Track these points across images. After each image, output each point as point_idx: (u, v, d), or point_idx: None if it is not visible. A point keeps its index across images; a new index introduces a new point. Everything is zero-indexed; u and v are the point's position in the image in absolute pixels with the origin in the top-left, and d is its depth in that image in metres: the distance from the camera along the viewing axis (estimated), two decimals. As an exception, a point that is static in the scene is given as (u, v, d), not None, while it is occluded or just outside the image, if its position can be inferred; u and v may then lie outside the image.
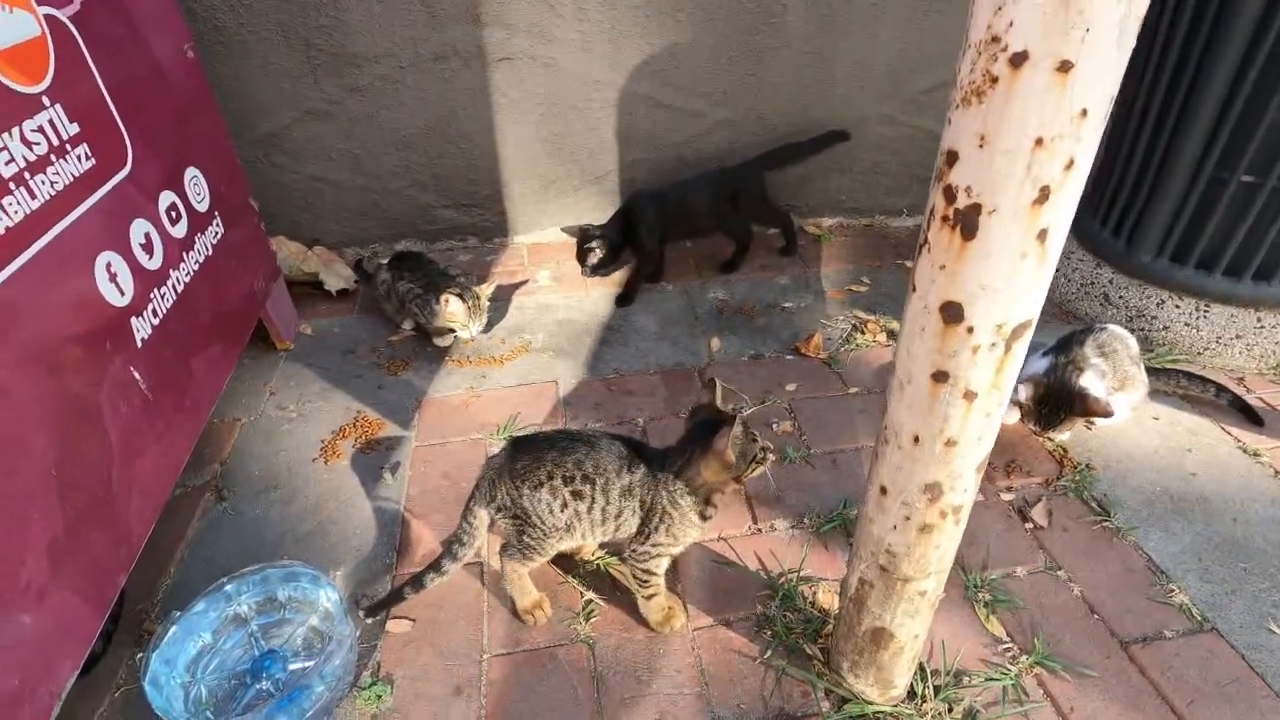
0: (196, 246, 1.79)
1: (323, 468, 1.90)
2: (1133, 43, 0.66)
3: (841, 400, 2.09)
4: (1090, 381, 1.76)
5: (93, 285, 1.37)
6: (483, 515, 1.42)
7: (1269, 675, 1.36)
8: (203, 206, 1.85)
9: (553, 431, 1.46)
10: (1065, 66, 0.66)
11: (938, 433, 0.93)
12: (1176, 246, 2.13)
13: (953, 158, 0.77)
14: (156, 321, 1.56)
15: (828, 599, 1.51)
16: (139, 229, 1.55)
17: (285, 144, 2.61)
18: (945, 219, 0.80)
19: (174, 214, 1.70)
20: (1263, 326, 2.08)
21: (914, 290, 0.89)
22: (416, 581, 1.43)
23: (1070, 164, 0.72)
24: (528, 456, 1.38)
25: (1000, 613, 1.49)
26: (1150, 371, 1.96)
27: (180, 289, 1.68)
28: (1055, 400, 1.74)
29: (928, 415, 0.93)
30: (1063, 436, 1.86)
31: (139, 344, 1.48)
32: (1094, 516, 1.69)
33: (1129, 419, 1.93)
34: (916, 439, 0.96)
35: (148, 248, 1.57)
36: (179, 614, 1.35)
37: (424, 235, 2.93)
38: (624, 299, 2.57)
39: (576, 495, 1.35)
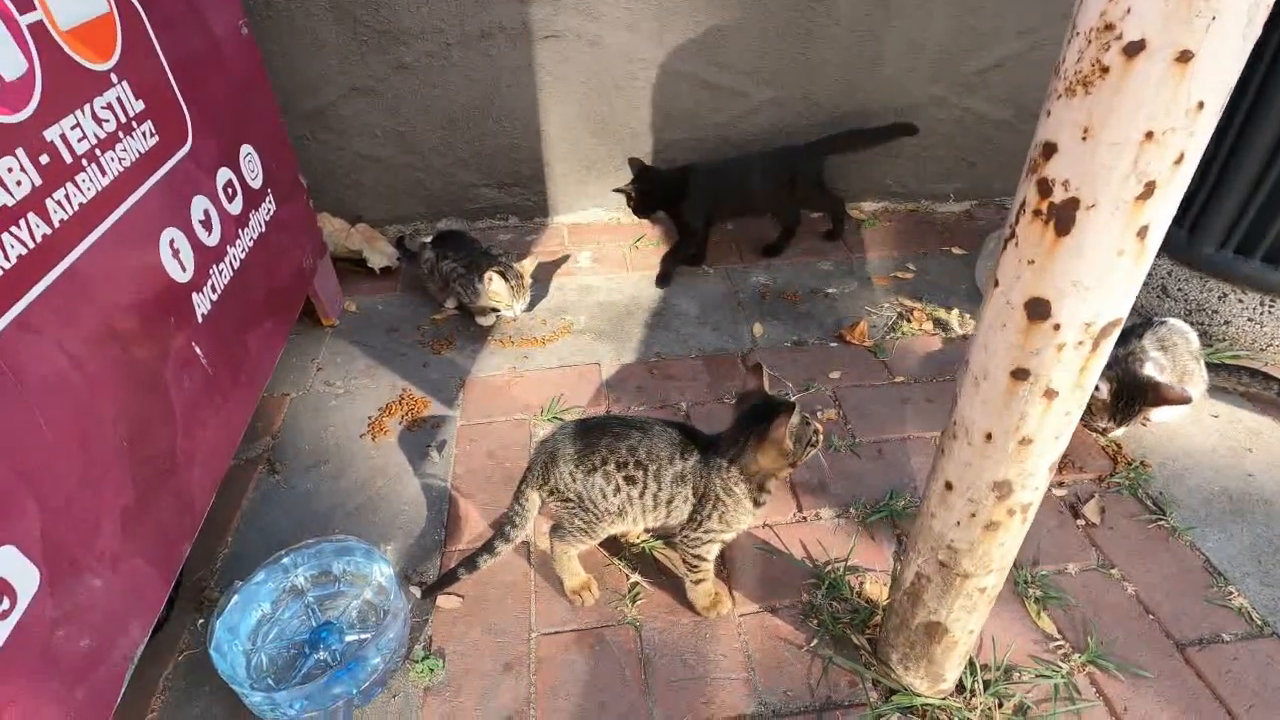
0: (251, 223, 1.81)
1: (370, 444, 1.93)
2: (1258, 33, 0.63)
3: (887, 389, 2.06)
4: (1152, 374, 1.71)
5: (157, 261, 1.40)
6: (534, 498, 1.43)
7: (1332, 683, 1.33)
8: (257, 184, 1.87)
9: (605, 416, 1.47)
10: (1185, 57, 0.63)
11: (1012, 430, 0.91)
12: (1243, 238, 2.05)
13: (1050, 150, 0.74)
14: (215, 297, 1.59)
15: (875, 590, 1.51)
16: (199, 206, 1.57)
17: (331, 121, 2.62)
18: (1038, 213, 0.77)
19: (230, 191, 1.72)
20: (1332, 324, 2.01)
21: (995, 285, 0.87)
22: (470, 562, 1.45)
23: (1180, 159, 0.69)
24: (581, 441, 1.39)
25: (1051, 609, 1.47)
26: (1210, 367, 1.91)
27: (236, 265, 1.70)
28: (1129, 394, 1.70)
29: (1003, 412, 0.91)
30: (1118, 433, 1.82)
31: (199, 319, 1.51)
32: (1149, 515, 1.66)
33: (1187, 416, 1.88)
34: (989, 436, 0.94)
35: (207, 224, 1.59)
36: (240, 583, 1.39)
37: (465, 214, 2.93)
38: (663, 279, 2.55)
39: (630, 480, 1.36)
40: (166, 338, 1.40)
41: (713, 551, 1.40)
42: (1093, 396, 1.72)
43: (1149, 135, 0.67)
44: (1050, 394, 0.87)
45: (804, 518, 1.69)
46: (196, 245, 1.54)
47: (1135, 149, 0.68)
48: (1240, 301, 2.10)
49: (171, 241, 1.45)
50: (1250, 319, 2.09)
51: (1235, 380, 1.96)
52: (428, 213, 2.90)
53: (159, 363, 1.36)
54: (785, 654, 1.42)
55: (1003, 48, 2.68)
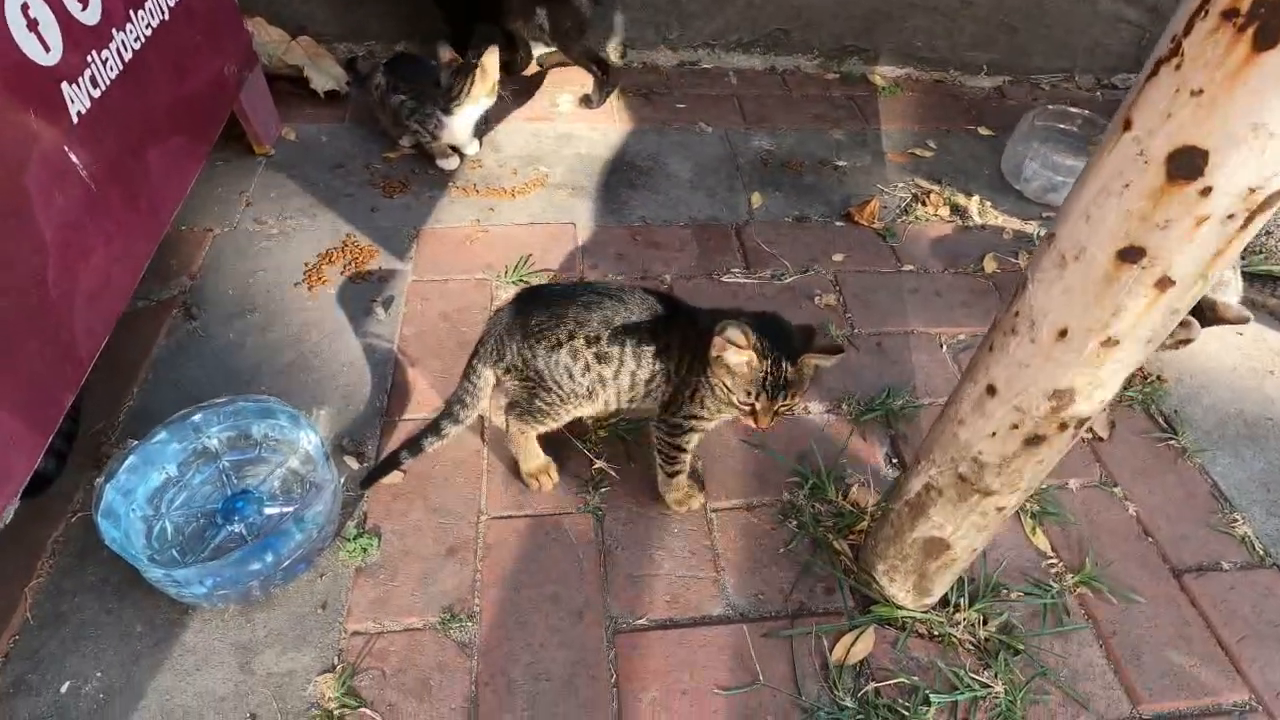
0: (147, 5, 1.44)
1: (305, 294, 1.68)
2: None
3: (893, 277, 1.86)
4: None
5: (3, 30, 1.06)
6: (488, 375, 1.23)
7: (1327, 619, 1.26)
8: (154, -47, 1.47)
9: (573, 283, 1.24)
10: None
11: (1099, 327, 0.72)
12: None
13: (1284, -95, 0.48)
14: (97, 94, 1.26)
15: (862, 494, 1.37)
16: (66, -34, 1.20)
17: (263, -104, 2.13)
18: (1231, 15, 0.53)
19: (114, -45, 1.34)
20: (1382, 243, 1.83)
21: (1127, 128, 0.63)
22: (413, 444, 1.26)
23: None
24: (544, 312, 1.16)
25: (1048, 526, 1.36)
26: (1245, 276, 1.73)
27: (126, 57, 1.36)
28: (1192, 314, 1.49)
29: (1092, 304, 0.71)
30: (1165, 353, 1.64)
31: (73, 119, 1.20)
32: (1160, 433, 1.54)
33: (1211, 331, 1.73)
34: (1064, 333, 0.74)
35: (80, -7, 1.23)
36: (137, 443, 1.18)
37: (428, 38, 2.50)
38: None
39: (601, 358, 1.15)
40: (25, 138, 1.09)
41: (692, 442, 1.24)
42: None
43: None
44: (1164, 284, 0.66)
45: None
46: (65, 20, 1.19)
47: None
48: (1289, 210, 1.89)
49: (25, 6, 1.10)
50: (1295, 233, 1.90)
51: (1269, 292, 1.80)
52: (384, 32, 2.47)
53: (15, 169, 1.07)
54: (759, 554, 1.29)
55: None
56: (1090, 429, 1.53)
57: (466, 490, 1.34)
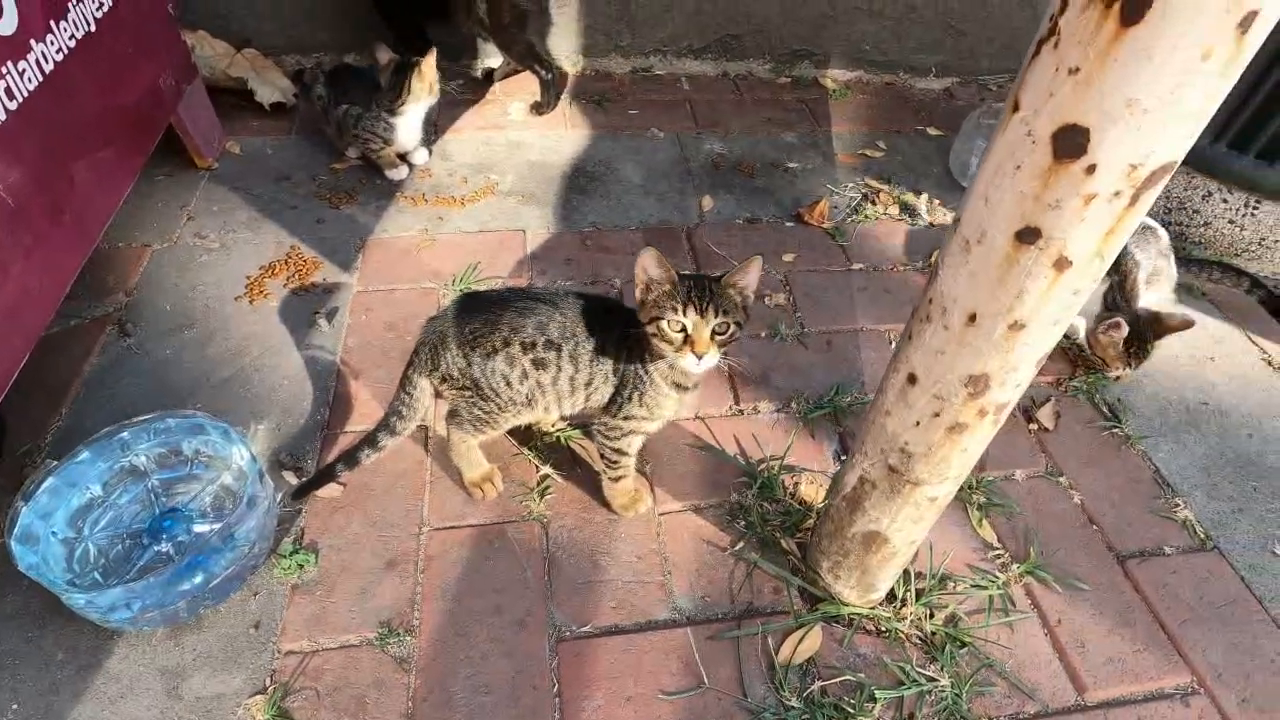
0: (71, 16, 1.41)
1: (247, 308, 1.64)
2: None
3: (842, 276, 1.87)
4: (1145, 294, 1.57)
5: (-96, 40, 1.03)
6: (424, 385, 1.21)
7: (1267, 599, 1.27)
8: (78, -36, 1.44)
9: (506, 290, 1.22)
10: None
11: (1004, 310, 0.72)
12: (1238, 132, 1.86)
13: (1138, -119, 0.49)
14: (14, 106, 1.23)
15: (810, 491, 1.37)
16: (-24, -25, 1.17)
17: (202, -92, 2.11)
18: (1098, -10, 0.53)
19: (33, -35, 1.31)
20: (1314, 230, 1.88)
21: (1015, 110, 0.63)
22: (350, 457, 1.23)
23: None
24: (477, 319, 1.15)
25: (994, 517, 1.37)
26: (1180, 262, 1.77)
27: (48, 68, 1.32)
28: (1138, 332, 1.52)
29: (995, 287, 0.71)
30: (1132, 374, 1.65)
31: (-14, 131, 1.16)
32: (1104, 422, 1.55)
33: (1153, 320, 1.76)
34: (973, 318, 0.74)
35: (-8, 3, 1.20)
36: (56, 463, 1.14)
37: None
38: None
39: (539, 364, 1.14)
40: (-71, 148, 1.06)
41: (634, 445, 1.22)
42: (1105, 344, 1.54)
43: None
44: (1062, 264, 0.66)
45: (740, 410, 1.52)
46: (-25, 30, 1.16)
47: None
48: (1225, 201, 1.93)
49: (-71, 17, 1.07)
50: (1231, 220, 1.94)
51: (1205, 276, 1.83)
52: (333, 43, 2.45)
53: (-83, 180, 1.04)
54: (707, 557, 1.28)
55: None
56: (1036, 420, 1.54)
57: (408, 502, 1.31)
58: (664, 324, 1.02)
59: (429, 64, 1.87)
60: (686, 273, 1.06)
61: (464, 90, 2.42)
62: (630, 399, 1.15)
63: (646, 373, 1.12)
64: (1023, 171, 0.64)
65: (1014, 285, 0.69)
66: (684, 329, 1.01)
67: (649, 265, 1.03)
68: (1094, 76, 0.56)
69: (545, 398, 1.19)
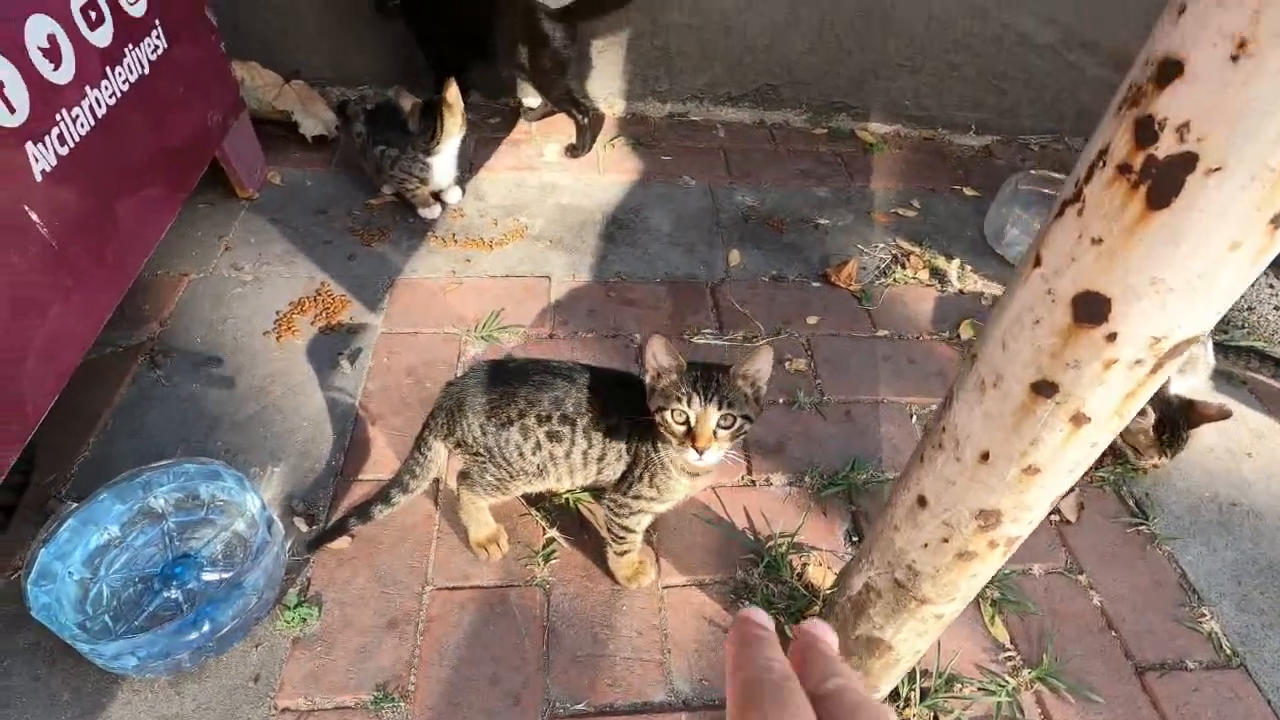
0: (126, 62, 1.46)
1: (274, 345, 1.68)
2: None
3: (867, 343, 1.84)
4: (1177, 380, 1.51)
5: (-35, 96, 1.08)
6: (439, 447, 1.22)
7: (1294, 727, 1.21)
8: (137, 11, 1.50)
9: (525, 360, 1.23)
10: None
11: (1018, 455, 0.70)
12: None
13: (1170, 72, 0.48)
14: (65, 151, 1.28)
15: (818, 574, 1.34)
16: (39, 28, 1.22)
17: (261, -53, 2.18)
18: (1125, 170, 0.52)
19: (94, 15, 1.37)
20: (1365, 323, 1.81)
21: (1035, 265, 0.62)
22: (363, 512, 1.25)
23: (1382, 110, 0.43)
24: (495, 390, 1.15)
25: (1007, 614, 1.33)
26: (1218, 347, 1.71)
27: (101, 113, 1.37)
28: (1171, 421, 1.46)
29: (1010, 432, 0.69)
30: (1168, 464, 1.58)
31: (36, 177, 1.21)
32: (1130, 518, 1.50)
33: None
34: (985, 456, 0.72)
35: (52, 54, 1.25)
36: (75, 505, 1.17)
37: (419, 82, 2.54)
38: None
39: (553, 437, 1.14)
40: (-20, 197, 1.11)
41: (642, 523, 1.21)
42: (1135, 432, 1.49)
43: (1349, 64, 0.41)
44: (1079, 419, 0.64)
45: (753, 481, 1.51)
46: (33, 80, 1.21)
47: (1317, 85, 0.42)
48: (1271, 287, 1.87)
49: (-9, 71, 1.12)
50: (1277, 307, 1.87)
51: (1244, 363, 1.77)
52: (376, 75, 2.50)
53: (-33, 229, 1.08)
54: (708, 636, 1.26)
55: (1064, -46, 2.28)
56: (1058, 511, 1.50)
57: (414, 557, 1.32)
58: (668, 414, 1.01)
59: (454, 96, 1.89)
60: (696, 360, 1.05)
61: (500, 129, 2.46)
62: (641, 479, 1.15)
63: (659, 456, 1.11)
64: (1041, 327, 0.62)
65: (1029, 433, 0.68)
66: (687, 421, 1.00)
67: (658, 353, 1.02)
68: (1118, 251, 0.54)
69: (557, 469, 1.19)
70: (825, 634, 0.34)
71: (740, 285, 1.97)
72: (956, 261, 2.10)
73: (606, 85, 2.55)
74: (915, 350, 1.83)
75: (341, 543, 1.32)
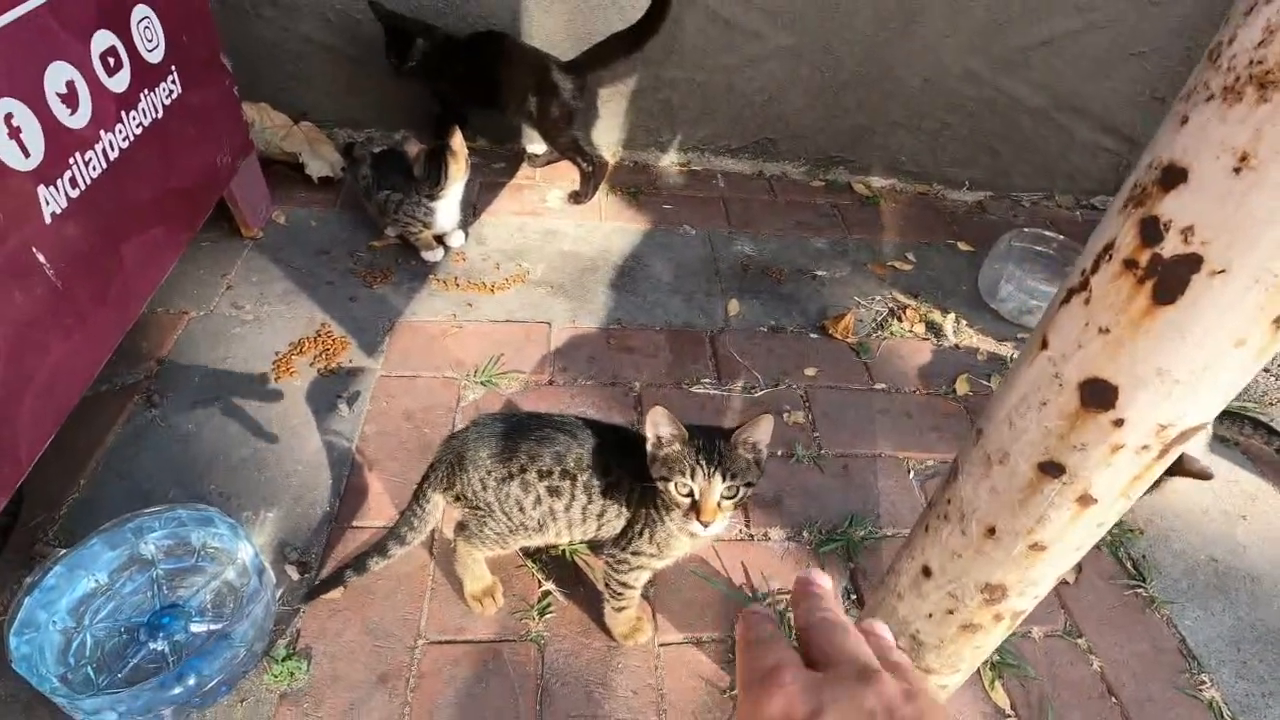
0: (141, 106, 1.48)
1: (272, 386, 1.67)
2: None
3: (864, 395, 1.85)
4: None
5: (-18, 140, 1.09)
6: (438, 500, 1.21)
7: (1298, 803, 1.20)
8: (155, 58, 1.53)
9: (526, 414, 1.23)
10: None
11: (1024, 532, 0.70)
12: None
13: (1174, 178, 0.50)
14: (75, 194, 1.29)
15: (816, 634, 1.33)
16: (58, 75, 1.25)
17: (277, -6, 2.24)
18: (1132, 265, 0.53)
19: (112, 62, 1.39)
20: (1352, 387, 1.84)
21: (1042, 347, 0.63)
22: (359, 564, 1.23)
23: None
24: (496, 444, 1.15)
25: (1008, 679, 1.31)
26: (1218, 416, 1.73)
27: (113, 156, 1.39)
28: None
29: (1016, 509, 0.69)
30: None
31: (46, 219, 1.22)
32: (1127, 580, 1.50)
33: (1182, 470, 1.71)
34: (992, 531, 0.73)
35: (70, 100, 1.27)
36: (64, 552, 1.15)
37: (424, 128, 2.58)
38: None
39: (553, 492, 1.14)
40: (-11, 239, 1.11)
41: (641, 579, 1.20)
42: None
43: (1347, 182, 0.43)
44: (1086, 500, 0.65)
45: (751, 535, 1.50)
46: (50, 125, 1.22)
47: (1317, 199, 0.44)
48: (1260, 349, 1.90)
49: (9, 116, 1.14)
50: (1267, 369, 1.91)
51: (1237, 430, 1.79)
52: (381, 119, 2.55)
53: (-27, 271, 1.08)
54: (704, 698, 1.24)
55: (1054, 23, 2.37)
56: (1056, 571, 1.49)
57: (407, 609, 1.30)
58: (672, 486, 1.01)
59: (458, 142, 1.93)
60: (696, 426, 1.05)
61: (504, 173, 2.50)
62: (641, 535, 1.14)
63: (660, 515, 1.10)
64: (1048, 409, 0.63)
65: (1036, 510, 0.68)
66: (692, 494, 1.01)
67: (660, 423, 1.02)
68: (1124, 340, 0.55)
69: (557, 524, 1.18)
70: (818, 578, 0.42)
71: (739, 335, 1.99)
72: (952, 315, 2.13)
73: (610, 135, 2.60)
74: (912, 404, 1.85)
75: (334, 593, 1.30)
